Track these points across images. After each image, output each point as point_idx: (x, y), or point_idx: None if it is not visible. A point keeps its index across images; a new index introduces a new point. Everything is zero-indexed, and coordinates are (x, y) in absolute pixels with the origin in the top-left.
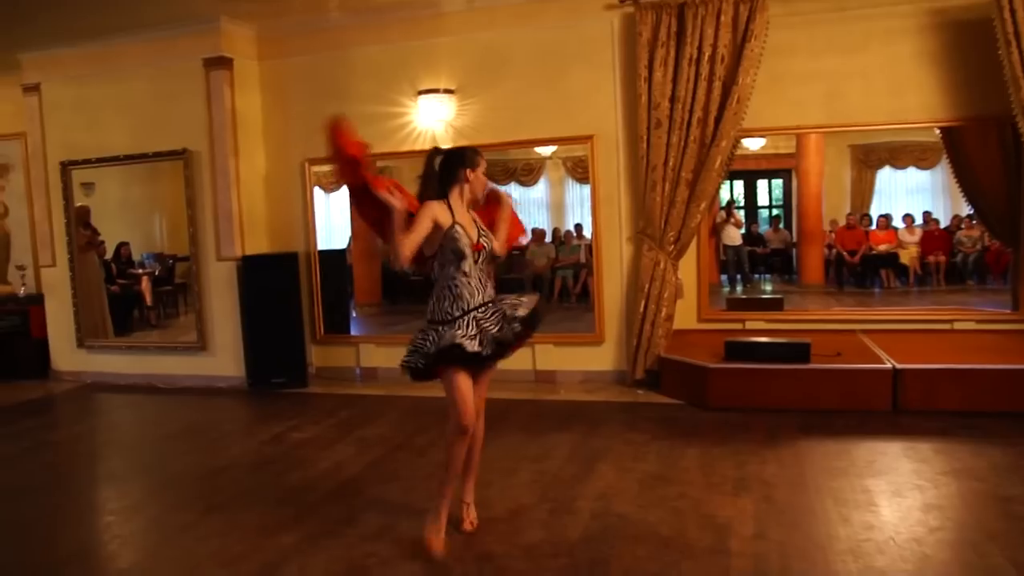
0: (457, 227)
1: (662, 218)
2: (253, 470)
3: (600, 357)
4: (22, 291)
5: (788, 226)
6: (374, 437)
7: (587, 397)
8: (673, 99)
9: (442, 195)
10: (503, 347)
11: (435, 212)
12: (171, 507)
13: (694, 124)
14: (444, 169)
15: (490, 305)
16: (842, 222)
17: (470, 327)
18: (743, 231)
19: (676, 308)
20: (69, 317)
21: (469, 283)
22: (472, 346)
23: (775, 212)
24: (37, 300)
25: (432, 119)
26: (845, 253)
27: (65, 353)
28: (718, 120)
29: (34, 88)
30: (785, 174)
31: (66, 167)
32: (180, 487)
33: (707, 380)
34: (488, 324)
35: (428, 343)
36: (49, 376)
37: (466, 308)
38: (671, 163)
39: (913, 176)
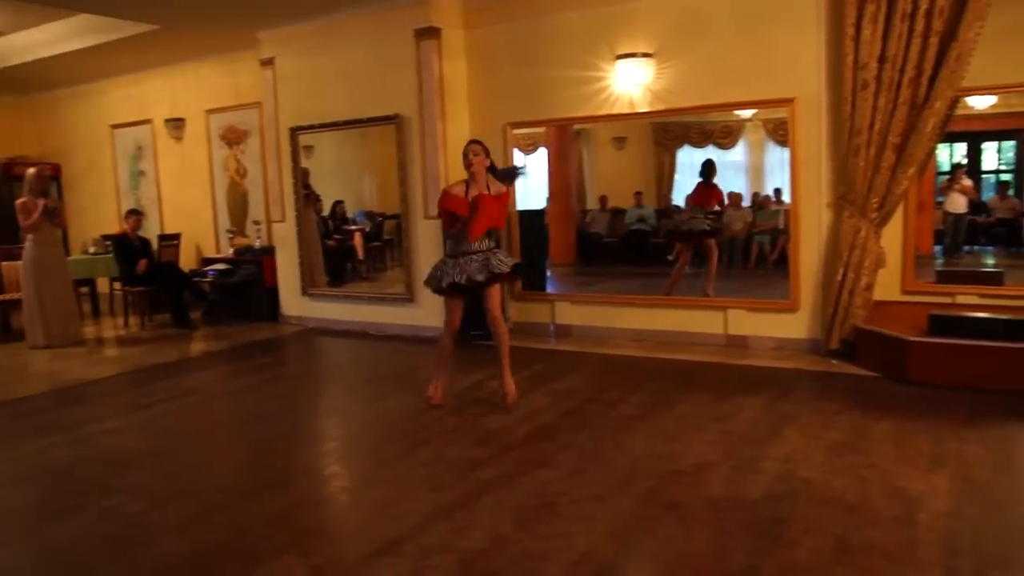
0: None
1: (865, 184)
2: (455, 412)
3: (794, 324)
4: (257, 244)
5: (1019, 193)
6: (566, 389)
7: (778, 364)
8: (882, 58)
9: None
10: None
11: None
12: (383, 439)
13: (905, 85)
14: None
15: (475, 255)
16: None
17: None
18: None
19: (877, 278)
20: (295, 268)
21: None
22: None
23: (1004, 177)
24: (269, 252)
25: (630, 83)
26: None
27: (291, 300)
28: (932, 80)
29: (269, 62)
30: (1018, 135)
31: (294, 132)
32: (391, 422)
33: (907, 353)
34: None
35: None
36: (279, 320)
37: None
38: (877, 126)
39: None
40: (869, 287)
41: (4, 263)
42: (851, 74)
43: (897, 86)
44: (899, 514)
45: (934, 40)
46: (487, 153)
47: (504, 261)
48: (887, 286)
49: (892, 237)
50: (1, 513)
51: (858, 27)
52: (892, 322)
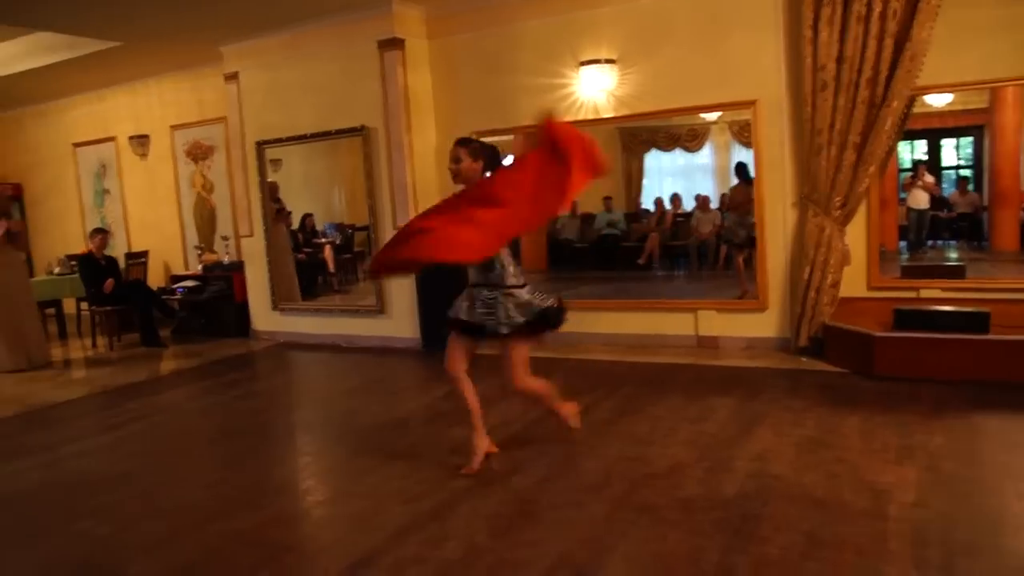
0: None
1: (828, 183)
2: (428, 422)
3: (763, 324)
4: (226, 259)
5: (978, 188)
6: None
7: (749, 363)
8: (840, 59)
9: None
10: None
11: None
12: (357, 452)
13: (863, 85)
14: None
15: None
16: None
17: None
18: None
19: (843, 275)
20: (265, 282)
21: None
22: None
23: (963, 173)
24: (238, 267)
25: (594, 89)
26: None
27: (262, 315)
28: (889, 79)
29: (233, 76)
30: (976, 131)
31: (260, 146)
32: (364, 435)
33: (873, 349)
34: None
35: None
36: (250, 335)
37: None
38: (837, 126)
39: None
40: (835, 284)
41: None
42: (810, 75)
43: (855, 86)
44: (868, 507)
45: (889, 41)
46: (473, 153)
47: (516, 311)
48: (853, 283)
49: (856, 234)
50: None
51: (815, 29)
52: (859, 318)
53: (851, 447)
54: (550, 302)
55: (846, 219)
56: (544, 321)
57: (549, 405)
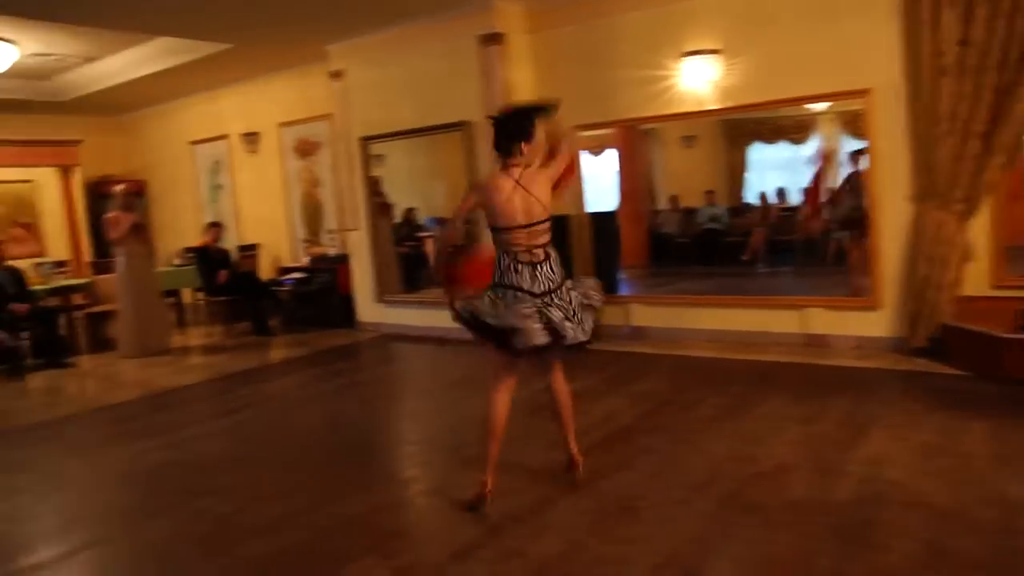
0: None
1: (948, 175)
2: (529, 415)
3: (876, 322)
4: (332, 252)
5: None
6: (643, 392)
7: (860, 363)
8: (964, 43)
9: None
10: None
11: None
12: (459, 443)
13: (990, 69)
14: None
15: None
16: None
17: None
18: None
19: (965, 273)
20: (369, 274)
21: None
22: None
23: None
24: (343, 260)
25: (697, 80)
26: None
27: (366, 306)
28: (1021, 63)
29: (338, 74)
30: None
31: (364, 142)
32: (466, 426)
33: (1002, 351)
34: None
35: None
36: (354, 326)
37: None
38: (960, 115)
39: None
40: (956, 282)
41: (99, 277)
42: (929, 61)
43: (982, 71)
44: (998, 520)
45: (1022, 21)
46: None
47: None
48: (976, 281)
49: (980, 230)
50: (104, 511)
51: (936, 11)
52: (983, 318)
53: (976, 454)
54: (511, 322)
55: (968, 213)
56: (477, 329)
57: (490, 450)
